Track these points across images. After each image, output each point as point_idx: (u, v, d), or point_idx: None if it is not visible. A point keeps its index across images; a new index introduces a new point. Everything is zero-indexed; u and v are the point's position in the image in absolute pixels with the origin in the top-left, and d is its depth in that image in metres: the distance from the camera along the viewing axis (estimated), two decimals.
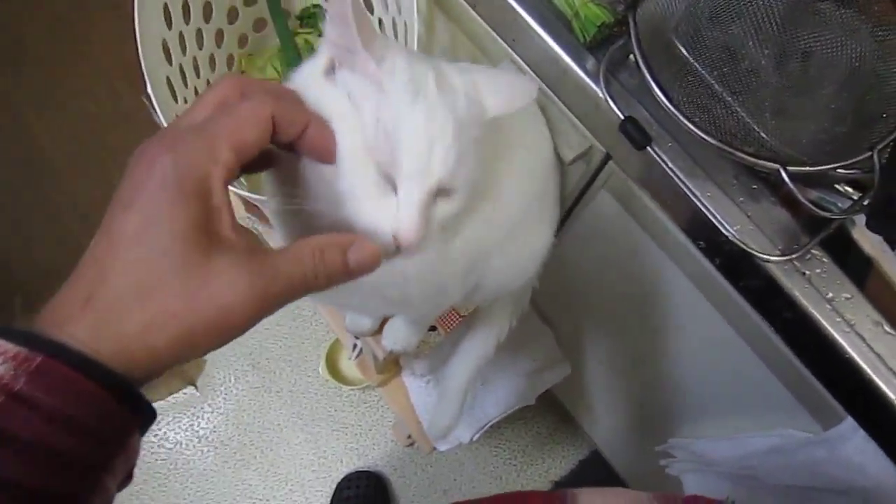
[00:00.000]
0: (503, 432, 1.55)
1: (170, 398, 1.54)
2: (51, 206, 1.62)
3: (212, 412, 1.55)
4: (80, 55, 1.71)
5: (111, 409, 0.29)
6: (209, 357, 1.58)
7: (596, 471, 1.51)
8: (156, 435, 1.53)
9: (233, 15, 0.86)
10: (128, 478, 0.32)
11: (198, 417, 1.55)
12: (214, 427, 1.54)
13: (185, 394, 1.55)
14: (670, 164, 0.56)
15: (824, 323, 0.54)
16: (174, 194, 0.31)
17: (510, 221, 0.59)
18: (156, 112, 0.69)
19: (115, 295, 0.30)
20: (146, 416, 0.32)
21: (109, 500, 0.31)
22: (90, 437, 0.28)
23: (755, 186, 0.57)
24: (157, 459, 1.51)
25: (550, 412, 1.54)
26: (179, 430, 1.54)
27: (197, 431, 1.54)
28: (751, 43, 0.58)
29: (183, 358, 0.31)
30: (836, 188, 0.59)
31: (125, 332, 0.30)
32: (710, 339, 0.72)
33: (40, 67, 1.72)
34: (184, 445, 1.53)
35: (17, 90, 1.68)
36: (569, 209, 0.77)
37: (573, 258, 0.87)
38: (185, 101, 0.75)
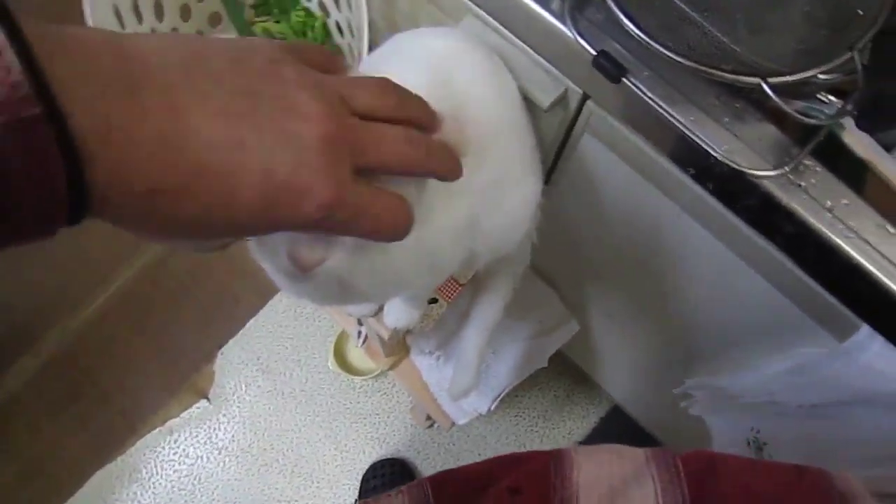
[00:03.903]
0: (521, 400, 1.55)
1: (184, 414, 1.53)
2: None
3: (228, 422, 1.55)
4: None
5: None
6: (217, 368, 1.57)
7: (618, 426, 1.51)
8: (175, 452, 1.52)
9: (185, 12, 0.83)
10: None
11: (215, 430, 1.54)
12: (233, 436, 1.54)
13: (198, 408, 1.55)
14: (649, 94, 0.55)
15: (827, 232, 0.52)
16: None
17: (489, 185, 0.58)
18: None
19: None
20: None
21: None
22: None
23: (738, 105, 0.56)
24: (180, 476, 1.51)
25: (565, 374, 1.54)
26: (198, 444, 1.53)
27: (216, 443, 1.53)
28: None
29: None
30: (818, 98, 0.57)
31: None
32: (713, 271, 0.70)
33: None
34: (205, 459, 1.52)
35: None
36: (553, 161, 0.75)
37: (566, 211, 0.86)
38: None
